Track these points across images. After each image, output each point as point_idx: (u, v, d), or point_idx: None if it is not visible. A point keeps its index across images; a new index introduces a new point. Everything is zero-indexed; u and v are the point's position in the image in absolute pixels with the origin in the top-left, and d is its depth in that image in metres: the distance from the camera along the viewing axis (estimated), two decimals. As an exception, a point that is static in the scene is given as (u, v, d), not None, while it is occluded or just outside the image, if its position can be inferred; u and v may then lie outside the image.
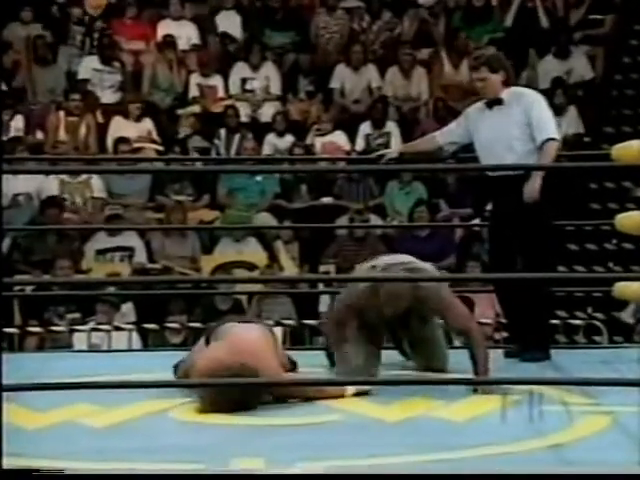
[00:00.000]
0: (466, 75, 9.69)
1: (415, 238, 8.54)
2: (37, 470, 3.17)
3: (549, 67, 9.69)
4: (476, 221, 8.61)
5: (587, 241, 8.61)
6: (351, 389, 4.18)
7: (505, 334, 7.43)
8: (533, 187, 4.72)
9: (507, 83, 4.93)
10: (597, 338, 7.45)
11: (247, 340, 4.13)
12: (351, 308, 4.43)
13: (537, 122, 4.79)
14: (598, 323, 7.53)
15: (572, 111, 9.30)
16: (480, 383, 4.21)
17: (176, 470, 3.26)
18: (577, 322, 7.51)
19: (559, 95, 9.26)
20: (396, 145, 9.28)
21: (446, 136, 5.07)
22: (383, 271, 4.36)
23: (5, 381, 4.02)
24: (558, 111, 9.21)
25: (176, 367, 4.43)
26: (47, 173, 8.84)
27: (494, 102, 4.88)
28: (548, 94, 9.49)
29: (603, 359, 4.82)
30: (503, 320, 7.44)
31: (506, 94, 4.89)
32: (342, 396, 4.16)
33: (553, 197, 4.84)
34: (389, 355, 4.69)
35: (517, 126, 4.80)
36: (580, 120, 9.27)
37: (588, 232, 8.57)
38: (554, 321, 7.35)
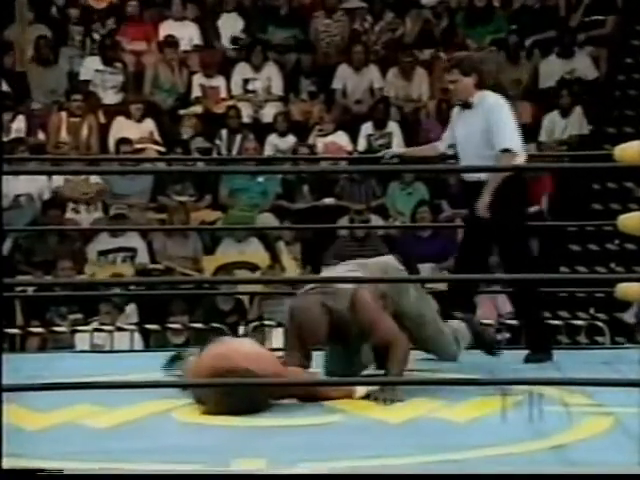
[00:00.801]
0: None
1: (417, 239, 8.54)
2: (37, 470, 3.17)
3: (552, 67, 9.69)
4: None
5: (589, 242, 8.60)
6: (360, 391, 4.16)
7: (507, 335, 7.43)
8: (483, 203, 4.75)
9: (480, 86, 4.90)
10: (599, 339, 7.45)
11: (245, 344, 4.20)
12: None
13: (495, 130, 4.77)
14: (600, 324, 7.52)
15: (578, 111, 9.28)
16: (487, 383, 4.16)
17: (178, 471, 3.26)
18: (579, 323, 7.51)
19: (565, 96, 9.25)
20: (398, 145, 9.31)
21: (444, 141, 5.11)
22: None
23: (6, 381, 4.03)
24: (565, 112, 9.23)
25: (171, 361, 4.43)
26: (48, 174, 8.84)
27: (466, 105, 4.90)
28: (551, 94, 9.56)
29: (605, 360, 4.80)
30: (505, 321, 7.49)
31: (477, 98, 4.88)
32: (350, 397, 4.15)
33: (518, 204, 4.85)
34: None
35: (479, 131, 4.81)
36: (585, 121, 9.26)
37: (590, 233, 8.57)
38: (556, 322, 7.36)
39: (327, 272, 4.57)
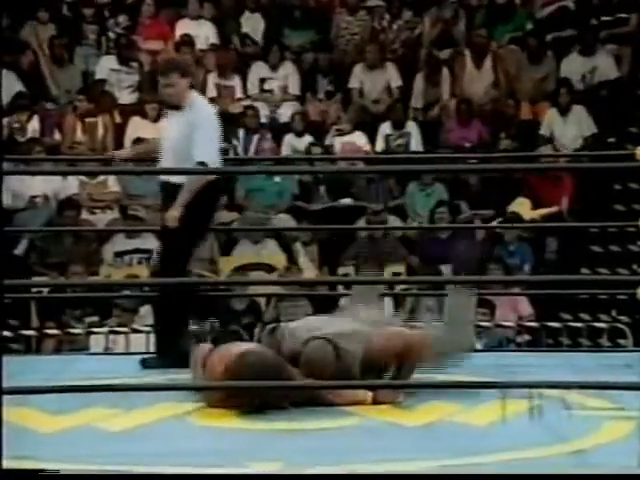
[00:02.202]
0: (489, 75, 9.65)
1: (436, 240, 8.50)
2: (38, 470, 3.16)
3: (573, 65, 9.62)
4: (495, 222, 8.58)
5: (611, 243, 8.52)
6: (370, 396, 4.14)
7: (527, 337, 7.38)
8: (172, 215, 4.72)
9: (191, 88, 4.90)
10: (621, 341, 7.38)
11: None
12: None
13: (197, 140, 4.73)
14: (622, 326, 7.46)
15: (581, 112, 9.18)
16: (501, 386, 4.11)
17: (192, 474, 3.24)
18: (601, 325, 7.45)
19: (564, 95, 9.15)
20: (417, 145, 9.26)
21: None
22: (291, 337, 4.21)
23: (24, 383, 4.00)
24: (564, 112, 9.16)
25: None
26: (63, 174, 8.83)
27: (177, 107, 4.83)
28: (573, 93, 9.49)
29: (627, 362, 4.71)
30: (524, 323, 7.43)
31: (188, 100, 4.84)
32: (364, 402, 4.13)
33: (202, 214, 4.80)
34: None
35: (183, 136, 4.75)
36: (592, 121, 9.15)
37: (612, 234, 8.49)
38: (577, 324, 7.29)
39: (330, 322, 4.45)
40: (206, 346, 4.27)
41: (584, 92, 9.45)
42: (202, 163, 4.70)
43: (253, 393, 3.92)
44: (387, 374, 4.31)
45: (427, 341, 4.39)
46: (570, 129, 9.16)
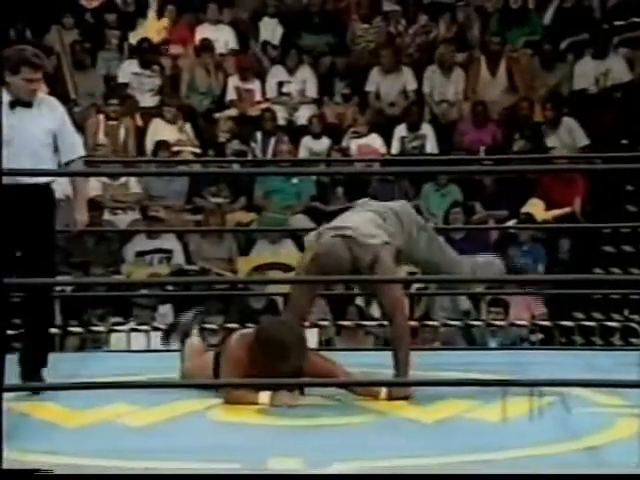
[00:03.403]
0: (503, 79, 9.72)
1: (450, 240, 8.55)
2: (37, 470, 3.18)
3: (586, 68, 9.68)
4: (511, 223, 8.65)
5: (623, 243, 8.57)
6: (384, 392, 4.20)
7: (541, 336, 7.44)
8: (83, 219, 4.47)
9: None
10: (634, 340, 7.42)
11: None
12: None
13: (69, 136, 4.40)
14: (635, 325, 7.50)
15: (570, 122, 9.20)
16: (513, 384, 4.17)
17: (212, 469, 3.27)
18: (614, 324, 7.49)
19: (549, 109, 9.16)
20: (432, 148, 9.34)
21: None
22: (318, 235, 4.38)
23: (50, 380, 4.11)
24: (554, 124, 9.18)
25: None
26: (85, 175, 8.90)
27: (25, 103, 4.33)
28: (582, 96, 9.54)
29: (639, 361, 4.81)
30: (539, 322, 7.50)
31: (39, 95, 4.42)
32: (377, 398, 4.20)
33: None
34: (422, 355, 4.68)
35: (44, 132, 4.33)
36: (583, 131, 9.16)
37: (624, 234, 8.53)
38: (590, 323, 7.35)
39: (341, 218, 4.55)
40: (195, 339, 4.36)
41: (597, 95, 9.53)
42: (82, 157, 4.44)
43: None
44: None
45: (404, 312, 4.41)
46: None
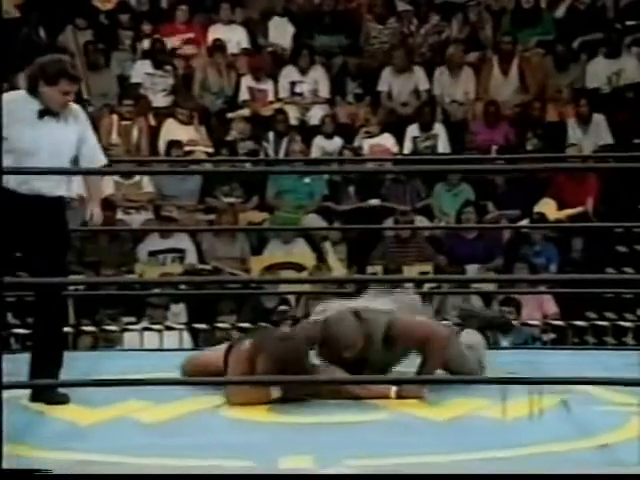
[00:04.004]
0: (515, 78, 9.72)
1: (462, 239, 8.57)
2: (37, 470, 3.19)
3: (598, 68, 9.67)
4: (524, 222, 8.65)
5: (636, 243, 8.56)
6: (394, 391, 4.21)
7: (553, 335, 7.44)
8: (98, 212, 4.37)
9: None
10: (647, 340, 7.42)
11: None
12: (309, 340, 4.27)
13: (93, 144, 4.32)
14: (648, 325, 7.49)
15: (600, 119, 9.21)
16: (524, 383, 4.17)
17: (225, 467, 3.29)
18: (626, 324, 7.48)
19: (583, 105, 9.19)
20: (444, 148, 9.36)
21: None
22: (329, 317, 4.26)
23: (64, 377, 4.13)
24: (586, 120, 9.20)
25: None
26: (99, 174, 8.92)
27: (50, 112, 4.22)
28: (597, 94, 9.54)
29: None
30: (550, 322, 7.50)
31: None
32: (387, 397, 4.20)
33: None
34: None
35: (70, 142, 4.24)
36: (608, 129, 9.18)
37: (637, 234, 8.52)
38: (603, 322, 7.35)
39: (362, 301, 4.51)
40: (246, 342, 4.29)
41: (610, 94, 9.52)
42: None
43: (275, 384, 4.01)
44: (405, 359, 4.36)
45: (452, 338, 4.49)
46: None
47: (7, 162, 3.87)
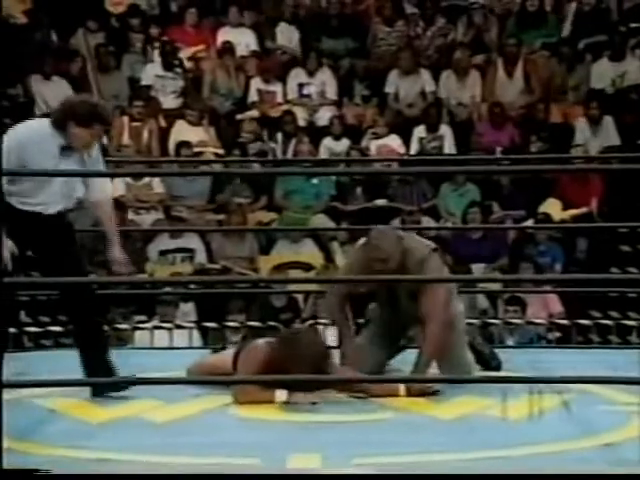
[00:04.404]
0: (520, 80, 9.78)
1: (468, 239, 8.62)
2: (37, 470, 3.20)
3: (603, 69, 9.73)
4: (529, 222, 8.71)
5: (640, 243, 8.62)
6: (403, 389, 4.28)
7: (558, 334, 7.50)
8: (119, 258, 4.39)
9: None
10: (651, 338, 7.46)
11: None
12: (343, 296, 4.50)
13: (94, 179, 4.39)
14: (652, 324, 7.53)
15: (609, 121, 9.27)
16: (530, 382, 4.17)
17: (232, 465, 3.31)
18: (631, 323, 7.52)
19: (594, 107, 9.24)
20: (450, 149, 9.42)
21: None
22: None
23: (76, 376, 4.22)
24: (597, 122, 9.24)
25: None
26: (110, 176, 9.00)
27: (69, 148, 4.31)
28: (602, 96, 9.59)
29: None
30: (556, 320, 7.56)
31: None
32: (396, 395, 4.26)
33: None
34: None
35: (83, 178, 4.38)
36: (616, 131, 9.24)
37: (641, 234, 8.58)
38: (607, 321, 7.41)
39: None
40: (260, 341, 4.34)
41: (614, 96, 9.58)
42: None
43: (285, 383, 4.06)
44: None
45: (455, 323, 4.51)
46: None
47: (25, 187, 4.16)
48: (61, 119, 4.25)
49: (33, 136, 4.17)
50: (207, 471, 3.26)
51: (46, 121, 4.30)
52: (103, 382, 4.26)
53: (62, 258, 4.29)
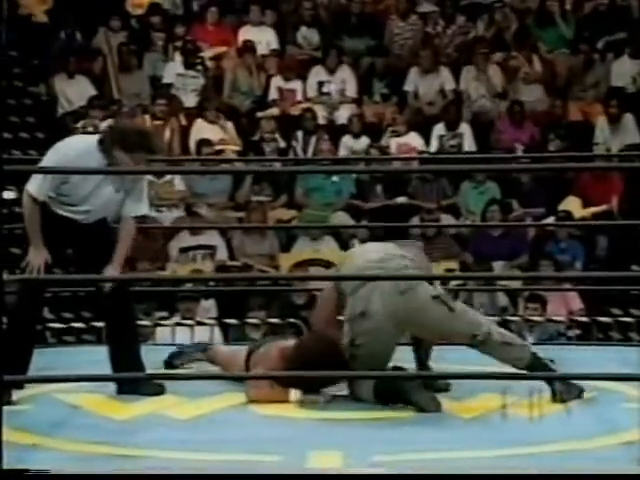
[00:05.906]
0: (540, 78, 9.78)
1: (488, 237, 8.64)
2: (37, 470, 3.21)
3: (623, 67, 9.71)
4: (549, 220, 8.71)
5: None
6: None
7: (579, 332, 7.50)
8: (115, 270, 4.32)
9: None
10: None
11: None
12: None
13: (136, 194, 4.44)
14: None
15: (629, 118, 9.27)
16: (549, 378, 4.17)
17: (254, 462, 3.33)
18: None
19: (613, 106, 9.22)
20: (469, 146, 9.43)
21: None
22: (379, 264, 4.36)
23: (94, 370, 4.25)
24: (616, 119, 9.23)
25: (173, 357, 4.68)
26: (132, 174, 9.07)
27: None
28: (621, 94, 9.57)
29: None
30: (576, 318, 7.56)
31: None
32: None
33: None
34: (459, 350, 4.68)
35: (120, 197, 4.41)
36: (636, 129, 9.24)
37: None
38: (628, 319, 7.40)
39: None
40: (274, 349, 4.32)
41: (635, 94, 9.57)
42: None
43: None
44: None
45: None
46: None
47: (71, 199, 4.31)
48: (108, 142, 4.31)
49: (81, 154, 4.25)
50: (229, 470, 3.26)
51: (93, 140, 4.36)
52: (127, 377, 4.29)
53: (99, 258, 4.37)
